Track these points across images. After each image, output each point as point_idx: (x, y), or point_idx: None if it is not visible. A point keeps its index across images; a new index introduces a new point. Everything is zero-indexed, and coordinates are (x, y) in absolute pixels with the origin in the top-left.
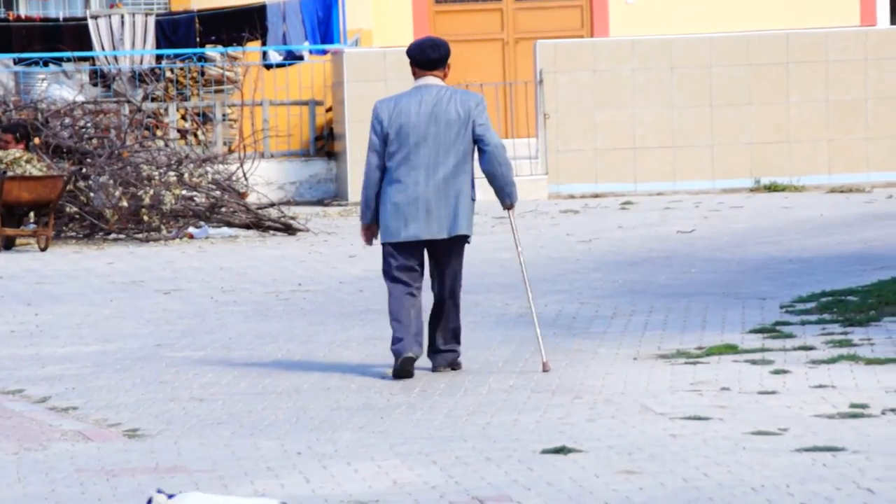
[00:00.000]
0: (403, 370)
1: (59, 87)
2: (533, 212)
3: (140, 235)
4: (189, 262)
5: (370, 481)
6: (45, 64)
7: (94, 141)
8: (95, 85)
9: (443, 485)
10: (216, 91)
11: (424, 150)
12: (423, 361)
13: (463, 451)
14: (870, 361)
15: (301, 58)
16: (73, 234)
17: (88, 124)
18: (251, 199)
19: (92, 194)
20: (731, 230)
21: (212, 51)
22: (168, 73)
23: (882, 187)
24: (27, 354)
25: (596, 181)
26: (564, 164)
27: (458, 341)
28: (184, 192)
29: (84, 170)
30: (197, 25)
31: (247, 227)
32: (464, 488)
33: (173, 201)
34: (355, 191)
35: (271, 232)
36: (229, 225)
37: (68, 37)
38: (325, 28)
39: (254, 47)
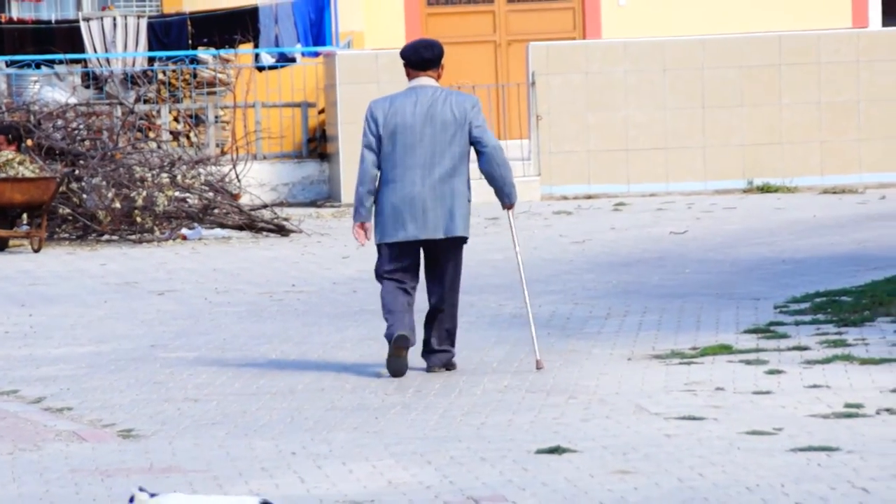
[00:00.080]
0: (397, 353)
1: (52, 90)
2: (526, 213)
3: (133, 237)
4: (182, 264)
5: (365, 481)
6: (38, 66)
7: (87, 143)
8: (88, 87)
9: (437, 485)
10: (209, 93)
11: (420, 150)
12: (418, 362)
13: (458, 451)
14: (864, 361)
15: (293, 60)
16: (66, 235)
17: (81, 126)
18: (244, 200)
19: (85, 196)
20: (724, 231)
21: (204, 53)
22: (160, 75)
23: (874, 188)
24: (21, 355)
25: (589, 182)
26: (557, 165)
27: (452, 342)
28: (177, 193)
29: (77, 171)
30: (189, 27)
31: (240, 228)
32: (458, 488)
33: (166, 203)
34: (348, 192)
35: (264, 233)
36: (222, 226)
37: (60, 39)
38: (317, 30)
39: (246, 49)
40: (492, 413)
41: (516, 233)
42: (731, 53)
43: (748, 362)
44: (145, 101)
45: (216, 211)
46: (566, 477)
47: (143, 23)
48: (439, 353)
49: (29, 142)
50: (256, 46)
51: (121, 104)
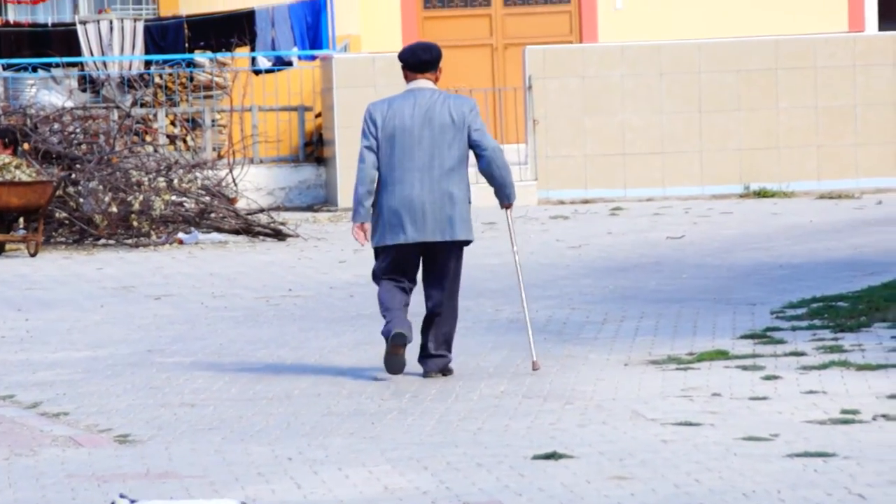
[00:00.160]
0: (395, 352)
1: (48, 93)
2: (523, 217)
3: (130, 241)
4: (179, 268)
5: (361, 487)
6: (34, 69)
7: (84, 146)
8: (84, 90)
9: (434, 490)
10: (205, 97)
11: (419, 152)
12: (415, 367)
13: (454, 456)
14: (861, 367)
15: (290, 63)
16: (63, 239)
17: (77, 130)
18: (241, 204)
19: (81, 200)
20: (721, 236)
21: (201, 56)
22: (157, 79)
23: (871, 193)
24: (18, 360)
25: (585, 187)
26: (554, 169)
27: (449, 347)
28: (173, 197)
29: (73, 175)
30: (186, 31)
31: (236, 232)
32: (455, 494)
33: (163, 207)
34: (345, 196)
35: (261, 237)
36: (219, 230)
37: (57, 42)
38: (313, 34)
39: (243, 53)
40: (488, 418)
41: (514, 231)
42: (728, 57)
43: (745, 368)
44: (142, 105)
45: (213, 215)
46: (563, 483)
47: (140, 26)
48: (436, 358)
49: (25, 145)
50: (253, 50)
51: (117, 108)
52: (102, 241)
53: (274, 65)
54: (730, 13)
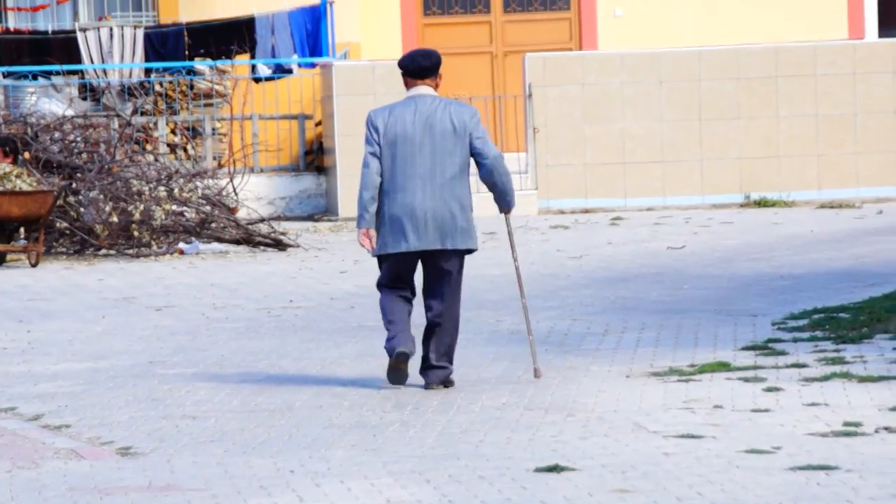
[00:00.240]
0: (397, 367)
1: (49, 101)
2: (523, 227)
3: (130, 251)
4: (180, 279)
5: (363, 499)
6: (35, 77)
7: (84, 155)
8: (85, 99)
9: (436, 503)
10: (205, 105)
11: (420, 160)
12: (416, 379)
13: (456, 469)
14: (863, 379)
15: (290, 71)
16: (64, 249)
17: (78, 139)
18: (241, 214)
19: (82, 209)
20: (722, 246)
21: (201, 64)
22: (157, 87)
23: (872, 203)
24: (19, 372)
25: (586, 196)
26: (554, 178)
27: (450, 359)
28: (174, 207)
29: (74, 185)
30: (186, 39)
31: (237, 242)
32: None
33: (163, 216)
34: (346, 206)
35: (262, 247)
36: (220, 240)
37: (57, 50)
38: (313, 41)
39: (243, 60)
40: (490, 431)
41: (514, 237)
42: (728, 65)
43: (746, 380)
44: (142, 113)
45: (213, 225)
46: (565, 495)
47: (140, 34)
48: (437, 370)
49: (26, 154)
50: (253, 57)
51: (118, 116)
52: (103, 251)
53: (274, 72)
54: (729, 21)
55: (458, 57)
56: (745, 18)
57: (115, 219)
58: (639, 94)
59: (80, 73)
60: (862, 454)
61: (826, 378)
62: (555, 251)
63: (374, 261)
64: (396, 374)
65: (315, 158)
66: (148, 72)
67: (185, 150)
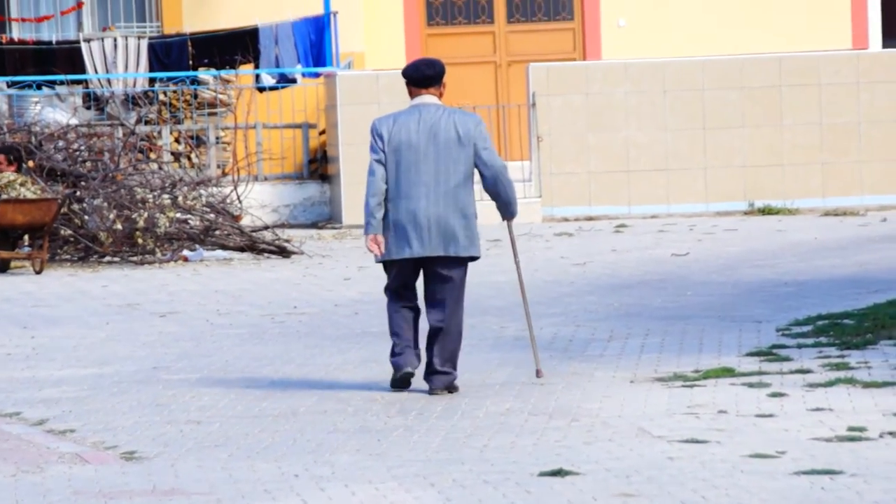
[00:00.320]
0: (402, 381)
1: (53, 110)
2: (527, 235)
3: (134, 258)
4: (184, 285)
5: None
6: (39, 87)
7: (88, 164)
8: (89, 108)
9: None
10: (209, 114)
11: (424, 167)
12: (420, 384)
13: (460, 473)
14: (867, 385)
15: (294, 81)
16: (68, 256)
17: (82, 147)
18: (245, 221)
19: (86, 217)
20: (726, 253)
21: (205, 74)
22: (161, 96)
23: (876, 210)
24: (24, 377)
25: (590, 204)
26: (558, 186)
27: (454, 364)
28: (178, 214)
29: (78, 193)
30: (190, 48)
31: (241, 249)
32: None
33: (167, 224)
34: (349, 214)
35: (266, 255)
36: (224, 248)
37: (61, 60)
38: (317, 51)
39: (246, 70)
40: (494, 435)
41: (516, 243)
42: (731, 75)
43: (751, 385)
44: (146, 122)
45: (217, 232)
46: (569, 500)
47: (144, 44)
48: (442, 375)
49: (30, 163)
50: (257, 67)
51: (122, 125)
52: (107, 258)
53: (278, 82)
54: (733, 30)
55: (461, 66)
56: (749, 28)
57: (119, 226)
58: (643, 104)
59: (85, 82)
60: (866, 459)
61: (830, 384)
62: (559, 258)
63: (378, 268)
64: (401, 384)
65: (319, 167)
66: (152, 81)
67: (189, 158)
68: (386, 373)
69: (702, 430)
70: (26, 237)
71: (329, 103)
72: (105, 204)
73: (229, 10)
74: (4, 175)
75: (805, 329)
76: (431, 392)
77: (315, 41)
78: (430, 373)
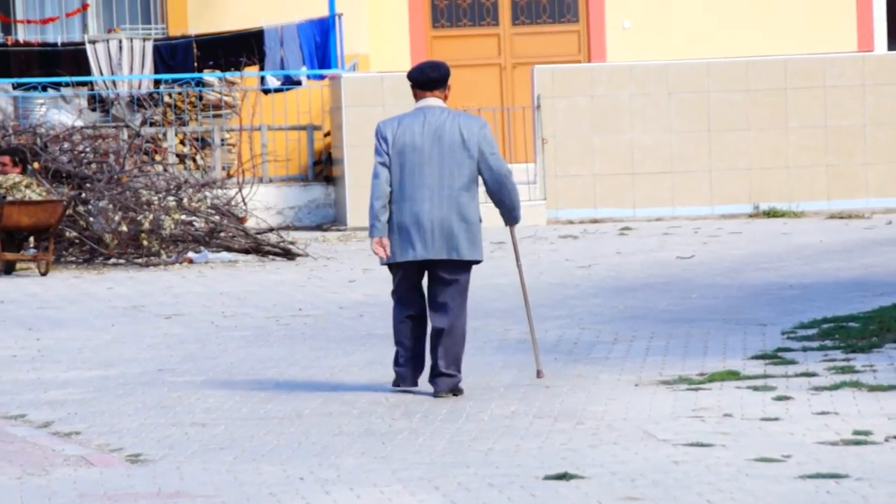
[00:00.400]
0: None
1: (58, 112)
2: (532, 237)
3: (140, 260)
4: (189, 287)
5: None
6: (44, 89)
7: (93, 166)
8: (94, 110)
9: None
10: (214, 116)
11: (428, 170)
12: (425, 387)
13: (465, 476)
14: (872, 388)
15: (299, 83)
16: (73, 258)
17: (87, 149)
18: (250, 223)
19: (91, 219)
20: (731, 256)
21: (210, 76)
22: (166, 98)
23: (881, 213)
24: (29, 379)
25: (594, 206)
26: (563, 189)
27: (458, 367)
28: (183, 216)
29: (83, 194)
30: (195, 50)
31: (246, 251)
32: None
33: (172, 226)
34: (354, 216)
35: (271, 257)
36: (229, 250)
37: (67, 61)
38: (322, 53)
39: (252, 72)
40: (499, 439)
41: (518, 246)
42: (736, 77)
43: (756, 388)
44: (151, 124)
45: (222, 234)
46: (574, 503)
47: (149, 46)
48: (446, 378)
49: (35, 164)
50: (262, 69)
51: (127, 127)
52: (112, 260)
53: (283, 84)
54: (738, 33)
55: (466, 69)
56: (754, 31)
57: (124, 228)
58: (648, 106)
59: (90, 84)
60: (872, 463)
61: (836, 387)
62: (563, 261)
63: (383, 270)
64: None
65: (324, 169)
66: (157, 83)
67: (195, 160)
68: (390, 376)
69: (707, 434)
70: (31, 239)
71: (334, 105)
72: (110, 206)
73: (234, 12)
74: (10, 177)
75: (810, 332)
76: (436, 395)
77: (320, 43)
78: (434, 375)
